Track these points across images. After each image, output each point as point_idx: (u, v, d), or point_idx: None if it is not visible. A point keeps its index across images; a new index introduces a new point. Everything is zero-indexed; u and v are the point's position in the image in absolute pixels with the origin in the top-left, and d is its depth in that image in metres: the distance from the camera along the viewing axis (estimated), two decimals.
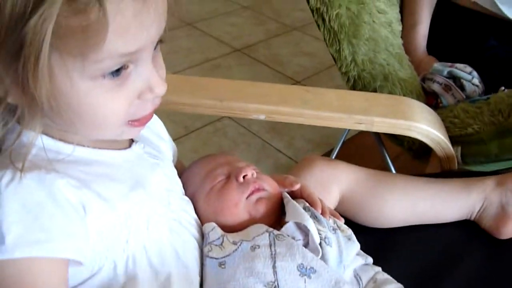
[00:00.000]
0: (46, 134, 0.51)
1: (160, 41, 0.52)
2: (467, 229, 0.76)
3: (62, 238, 0.46)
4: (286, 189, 0.69)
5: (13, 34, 0.42)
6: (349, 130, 1.31)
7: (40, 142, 0.49)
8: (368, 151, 1.40)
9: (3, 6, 0.41)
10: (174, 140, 0.75)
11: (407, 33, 1.09)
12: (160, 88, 0.51)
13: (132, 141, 0.60)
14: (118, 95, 0.48)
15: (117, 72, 0.47)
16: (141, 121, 0.53)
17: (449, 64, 1.07)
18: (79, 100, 0.47)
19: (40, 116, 0.47)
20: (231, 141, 1.76)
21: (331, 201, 0.74)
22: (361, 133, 1.69)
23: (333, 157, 1.41)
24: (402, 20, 1.07)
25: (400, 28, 1.05)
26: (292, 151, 1.71)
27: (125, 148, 0.58)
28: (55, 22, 0.41)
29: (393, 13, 1.03)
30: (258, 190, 0.65)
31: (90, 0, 0.42)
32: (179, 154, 0.75)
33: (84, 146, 0.53)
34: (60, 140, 0.51)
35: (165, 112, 0.83)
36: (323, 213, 0.65)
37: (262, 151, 1.72)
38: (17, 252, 0.43)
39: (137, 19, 0.45)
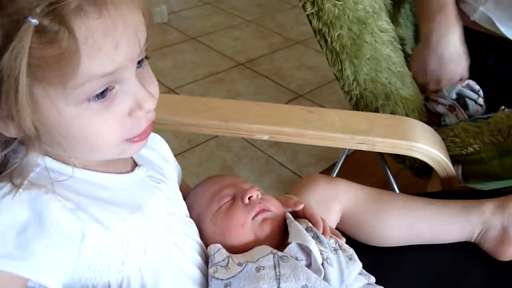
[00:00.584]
0: (49, 156, 0.52)
1: (146, 57, 0.53)
2: (469, 251, 0.76)
3: (38, 259, 0.46)
4: (290, 209, 0.70)
5: None
6: None
7: (43, 162, 0.51)
8: (370, 166, 1.41)
9: None
10: (178, 154, 0.76)
11: (437, 15, 1.02)
12: (149, 103, 0.51)
13: (135, 165, 0.62)
14: (107, 116, 0.49)
15: (102, 94, 0.48)
16: (141, 137, 0.54)
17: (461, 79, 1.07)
18: (69, 126, 0.48)
19: (39, 143, 0.49)
20: (235, 155, 1.77)
21: (332, 220, 0.75)
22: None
23: (336, 172, 1.42)
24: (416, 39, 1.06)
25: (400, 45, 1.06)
26: (295, 165, 1.72)
27: (128, 172, 0.60)
28: (28, 55, 0.42)
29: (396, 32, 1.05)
30: (263, 211, 0.66)
31: (59, 29, 0.42)
32: (183, 168, 0.76)
33: (87, 169, 0.54)
34: (63, 162, 0.52)
35: (173, 130, 0.85)
36: (323, 233, 0.66)
37: (266, 165, 1.73)
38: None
39: (108, 40, 0.45)
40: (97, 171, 0.55)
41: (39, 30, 0.42)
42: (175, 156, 0.74)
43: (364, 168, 1.48)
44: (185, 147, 1.78)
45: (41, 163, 0.51)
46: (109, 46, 0.45)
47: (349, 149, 1.41)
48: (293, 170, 1.71)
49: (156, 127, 0.82)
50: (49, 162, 0.52)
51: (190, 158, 1.74)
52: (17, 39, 0.41)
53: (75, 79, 0.45)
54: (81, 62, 0.44)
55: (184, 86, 2.18)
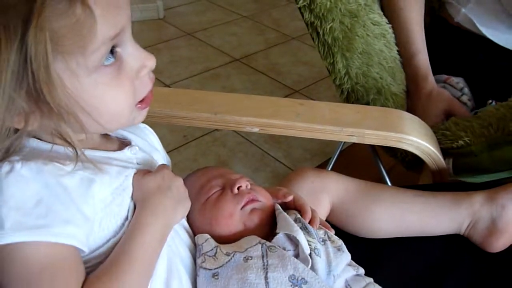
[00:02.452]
0: (37, 138, 0.53)
1: None
2: (458, 243, 0.77)
3: (60, 225, 0.48)
4: (279, 201, 0.71)
5: (13, 53, 0.44)
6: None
7: (32, 143, 0.53)
8: (364, 161, 1.41)
9: None
10: (173, 149, 0.77)
11: (409, 65, 1.06)
12: (151, 61, 0.55)
13: (123, 146, 0.63)
14: (121, 79, 0.52)
15: (112, 55, 0.51)
16: (146, 101, 0.58)
17: (445, 77, 1.08)
18: (90, 95, 0.50)
19: (55, 125, 0.50)
20: (230, 150, 1.78)
21: (322, 211, 0.75)
22: (358, 144, 1.71)
23: (330, 167, 1.42)
24: (399, 52, 1.06)
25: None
26: (290, 160, 1.73)
27: (115, 151, 0.62)
28: (48, 29, 0.44)
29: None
30: (252, 201, 0.66)
31: None
32: (178, 163, 0.77)
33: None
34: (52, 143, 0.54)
35: (164, 122, 0.86)
36: (312, 223, 0.67)
37: (260, 160, 1.74)
38: (16, 237, 0.46)
39: (112, 2, 0.49)
40: (86, 148, 0.56)
41: (53, 3, 0.44)
42: (170, 151, 0.75)
43: (358, 164, 1.49)
44: (180, 142, 1.78)
45: (27, 144, 0.52)
46: (113, 8, 0.49)
47: (343, 144, 1.42)
48: (287, 165, 1.71)
49: (147, 119, 0.82)
50: (36, 143, 0.53)
51: (185, 153, 1.74)
52: (35, 16, 0.43)
53: (92, 44, 0.47)
54: (97, 26, 0.47)
55: (180, 82, 2.18)
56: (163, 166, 0.62)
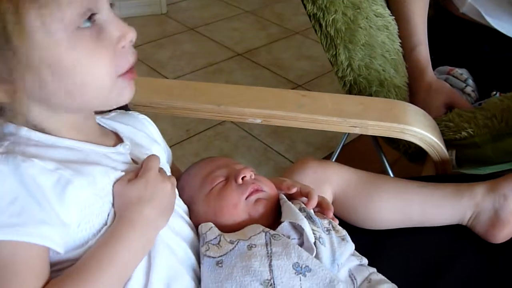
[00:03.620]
0: (26, 126, 0.53)
1: (111, 4, 0.55)
2: (461, 234, 0.77)
3: (33, 224, 0.47)
4: (283, 192, 0.71)
5: None
6: (348, 134, 1.33)
7: (20, 131, 0.52)
8: (368, 155, 1.41)
9: None
10: (175, 143, 0.77)
11: (409, 57, 1.05)
12: (131, 33, 0.53)
13: (119, 142, 0.62)
14: (100, 44, 0.51)
15: (89, 20, 0.50)
16: (130, 73, 0.55)
17: (448, 69, 1.08)
18: (68, 58, 0.49)
19: (28, 103, 0.50)
20: (232, 144, 1.78)
21: None
22: (361, 137, 1.71)
23: (333, 161, 1.42)
24: (401, 44, 1.05)
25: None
26: (293, 154, 1.73)
27: (109, 146, 0.60)
28: None
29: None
30: (257, 191, 0.67)
31: None
32: (181, 157, 0.77)
33: (67, 138, 0.55)
34: (41, 131, 0.53)
35: (167, 117, 0.86)
36: (325, 210, 0.67)
37: (263, 154, 1.74)
38: None
39: None
40: (78, 140, 0.56)
41: None
42: (172, 145, 0.75)
43: (361, 158, 1.48)
44: (183, 136, 1.79)
45: (14, 132, 0.52)
46: None
47: (346, 138, 1.42)
48: (290, 159, 1.71)
49: (149, 111, 0.83)
50: (24, 132, 0.52)
51: (188, 147, 1.74)
52: None
53: None
54: None
55: (183, 77, 2.18)
56: (148, 168, 0.58)
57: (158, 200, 0.56)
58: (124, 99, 0.57)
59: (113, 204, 0.55)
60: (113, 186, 0.55)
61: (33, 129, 0.53)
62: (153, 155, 0.61)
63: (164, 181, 0.58)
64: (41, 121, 0.54)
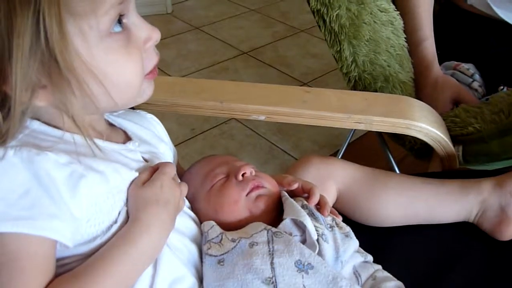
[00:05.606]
0: (39, 120, 0.53)
1: None
2: (468, 230, 0.75)
3: (44, 218, 0.47)
4: (285, 189, 0.70)
5: (30, 17, 0.44)
6: (354, 131, 1.32)
7: (33, 125, 0.52)
8: (374, 152, 1.40)
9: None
10: (181, 142, 0.77)
11: (415, 52, 1.03)
12: (156, 33, 0.57)
13: (128, 140, 0.63)
14: (130, 47, 0.54)
15: (119, 24, 0.52)
16: (153, 72, 0.59)
17: (454, 64, 1.06)
18: (103, 62, 0.51)
19: (64, 99, 0.50)
20: (238, 143, 1.77)
21: (329, 199, 0.74)
22: (367, 135, 1.70)
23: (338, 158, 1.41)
24: (406, 39, 1.04)
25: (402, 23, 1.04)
26: (298, 152, 1.72)
27: (118, 143, 0.61)
28: None
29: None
30: (257, 187, 0.66)
31: None
32: (186, 156, 0.77)
33: (78, 134, 0.54)
34: (54, 127, 0.54)
35: (173, 115, 0.85)
36: (322, 208, 0.66)
37: (269, 152, 1.73)
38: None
39: None
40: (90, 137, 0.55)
41: None
42: (178, 144, 0.74)
43: (368, 156, 1.47)
44: (188, 135, 1.78)
45: (29, 125, 0.52)
46: None
47: (352, 136, 1.41)
48: (296, 157, 1.70)
49: (152, 108, 0.82)
50: (37, 125, 0.53)
51: (193, 146, 1.74)
52: None
53: (103, 6, 0.49)
54: None
55: (188, 76, 2.18)
56: (164, 172, 0.58)
57: (171, 205, 0.56)
58: (145, 98, 0.59)
59: (125, 204, 0.55)
60: (128, 187, 0.55)
61: (46, 124, 0.53)
62: (169, 162, 0.61)
63: (176, 188, 0.59)
64: (56, 118, 0.54)
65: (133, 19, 0.54)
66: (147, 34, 0.56)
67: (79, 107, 0.51)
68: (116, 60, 0.52)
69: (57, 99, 0.50)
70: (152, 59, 0.58)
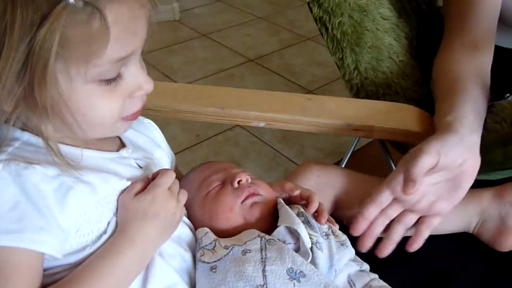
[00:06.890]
0: (28, 131, 0.53)
1: None
2: (468, 241, 0.75)
3: (32, 231, 0.47)
4: (286, 194, 0.70)
5: (22, 44, 0.45)
6: (359, 139, 1.31)
7: (24, 136, 0.52)
8: (378, 161, 1.39)
9: (13, 19, 0.44)
10: (185, 148, 0.76)
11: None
12: (149, 85, 0.55)
13: (122, 146, 0.62)
14: (113, 95, 0.52)
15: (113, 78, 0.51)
16: (133, 116, 0.57)
17: None
18: (80, 103, 0.50)
19: (37, 121, 0.50)
20: (242, 150, 1.77)
21: (327, 206, 0.74)
22: (372, 143, 1.68)
23: (342, 166, 1.40)
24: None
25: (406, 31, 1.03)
26: (303, 160, 1.71)
27: (111, 151, 0.60)
28: (60, 33, 0.44)
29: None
30: (253, 195, 0.65)
31: (92, 11, 0.45)
32: (191, 162, 0.77)
33: (68, 144, 0.55)
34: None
35: (177, 121, 0.85)
36: (319, 216, 0.66)
37: (273, 160, 1.73)
38: None
39: (131, 26, 0.49)
40: (79, 147, 0.56)
41: (73, 10, 0.45)
42: (182, 150, 0.74)
43: (371, 164, 1.46)
44: (193, 141, 1.78)
45: (19, 137, 0.52)
46: (129, 34, 0.49)
47: (356, 145, 1.40)
48: None
49: (153, 114, 0.82)
50: (27, 136, 0.53)
51: (198, 152, 1.74)
52: (53, 16, 0.44)
53: (98, 59, 0.47)
54: (108, 45, 0.47)
55: (194, 82, 2.19)
56: (158, 184, 0.57)
57: (161, 218, 0.55)
58: (118, 134, 0.60)
59: (115, 214, 0.55)
60: (118, 196, 0.55)
61: (36, 135, 0.53)
62: (168, 169, 0.61)
63: (171, 199, 0.57)
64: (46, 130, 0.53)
65: (132, 69, 0.53)
66: (139, 85, 0.54)
67: (52, 131, 0.51)
68: (94, 103, 0.52)
69: (31, 121, 0.51)
70: (136, 105, 0.56)
